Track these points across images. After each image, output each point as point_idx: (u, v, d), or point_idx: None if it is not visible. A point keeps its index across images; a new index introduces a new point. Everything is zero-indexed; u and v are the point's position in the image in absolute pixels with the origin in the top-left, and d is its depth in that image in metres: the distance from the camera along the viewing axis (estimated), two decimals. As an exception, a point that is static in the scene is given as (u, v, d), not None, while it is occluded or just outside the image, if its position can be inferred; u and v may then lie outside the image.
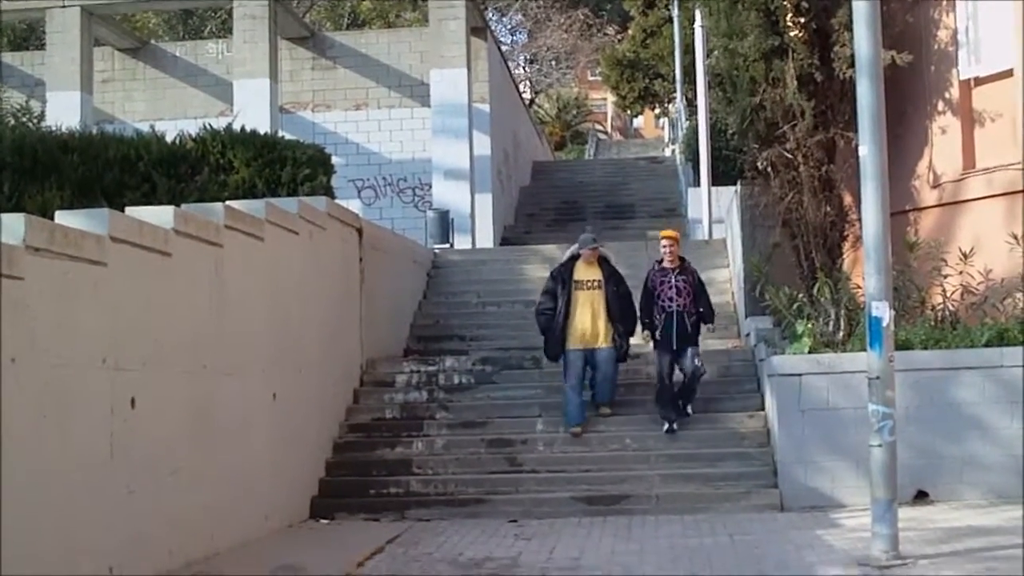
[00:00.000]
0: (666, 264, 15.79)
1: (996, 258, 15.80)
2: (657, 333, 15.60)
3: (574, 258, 15.94)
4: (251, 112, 23.39)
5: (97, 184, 15.52)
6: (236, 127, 16.93)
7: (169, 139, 16.65)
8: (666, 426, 15.27)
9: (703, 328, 15.91)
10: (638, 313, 15.87)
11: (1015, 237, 15.48)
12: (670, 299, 15.56)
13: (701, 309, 15.79)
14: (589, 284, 15.71)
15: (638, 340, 16.11)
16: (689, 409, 15.51)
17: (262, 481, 12.74)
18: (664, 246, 15.86)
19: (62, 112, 24.79)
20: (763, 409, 15.38)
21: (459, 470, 15.03)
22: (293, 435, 13.75)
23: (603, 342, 15.58)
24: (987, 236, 16.46)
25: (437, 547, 12.08)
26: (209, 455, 11.33)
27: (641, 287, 16.01)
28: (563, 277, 15.80)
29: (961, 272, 15.54)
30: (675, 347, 15.44)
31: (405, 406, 16.49)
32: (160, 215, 10.80)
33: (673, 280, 15.67)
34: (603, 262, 15.94)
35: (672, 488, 14.27)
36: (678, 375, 15.55)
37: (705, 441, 15.09)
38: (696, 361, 15.36)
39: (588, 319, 15.57)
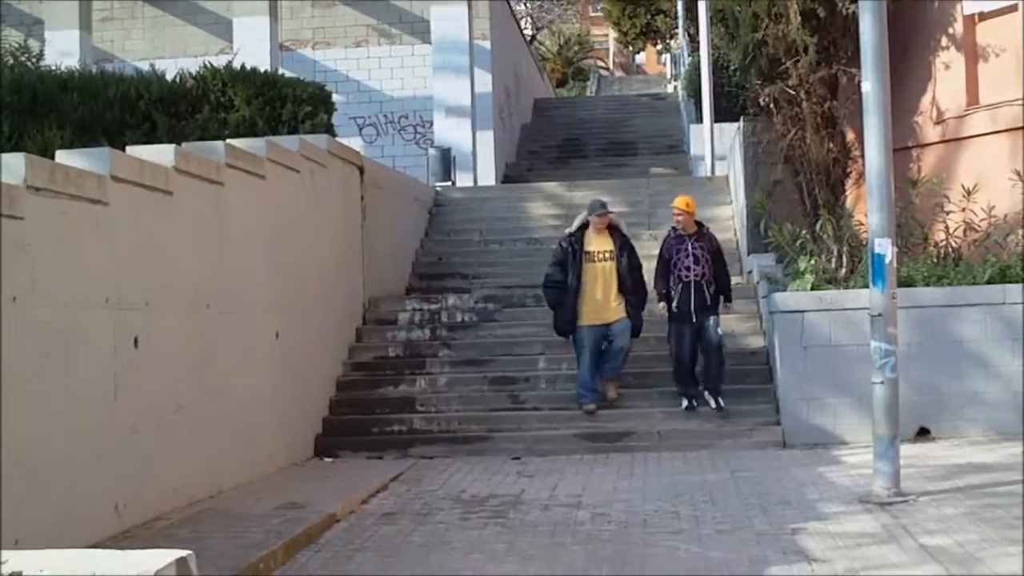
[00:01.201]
0: (682, 231, 14.93)
1: (999, 194, 15.77)
2: (673, 305, 14.67)
3: (583, 227, 14.99)
4: (251, 50, 23.27)
5: (97, 123, 15.50)
6: (236, 65, 16.88)
7: (169, 77, 16.61)
8: (684, 403, 14.61)
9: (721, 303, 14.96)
10: (652, 283, 15.09)
11: (1018, 173, 15.46)
12: (687, 268, 14.63)
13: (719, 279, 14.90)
14: (600, 255, 14.81)
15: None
16: (721, 402, 14.47)
17: (266, 420, 12.78)
18: (675, 215, 15.05)
19: (61, 51, 24.65)
20: (765, 346, 15.39)
21: (462, 408, 15.09)
22: (296, 374, 13.78)
23: (617, 315, 14.73)
24: (990, 172, 16.43)
25: (440, 484, 12.14)
26: (213, 394, 11.36)
27: (640, 246, 15.43)
28: (573, 248, 14.85)
29: (964, 209, 15.52)
30: (694, 319, 14.57)
31: (408, 344, 16.52)
32: (161, 154, 10.78)
33: (690, 247, 14.72)
34: (614, 231, 15.00)
35: (674, 425, 14.31)
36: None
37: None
38: (718, 331, 14.63)
39: (600, 293, 14.73)
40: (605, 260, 14.81)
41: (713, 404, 14.47)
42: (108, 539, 9.10)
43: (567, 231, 15.35)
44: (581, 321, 14.72)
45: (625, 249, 14.89)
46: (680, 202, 15.09)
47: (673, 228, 15.11)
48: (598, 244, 14.88)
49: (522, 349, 16.20)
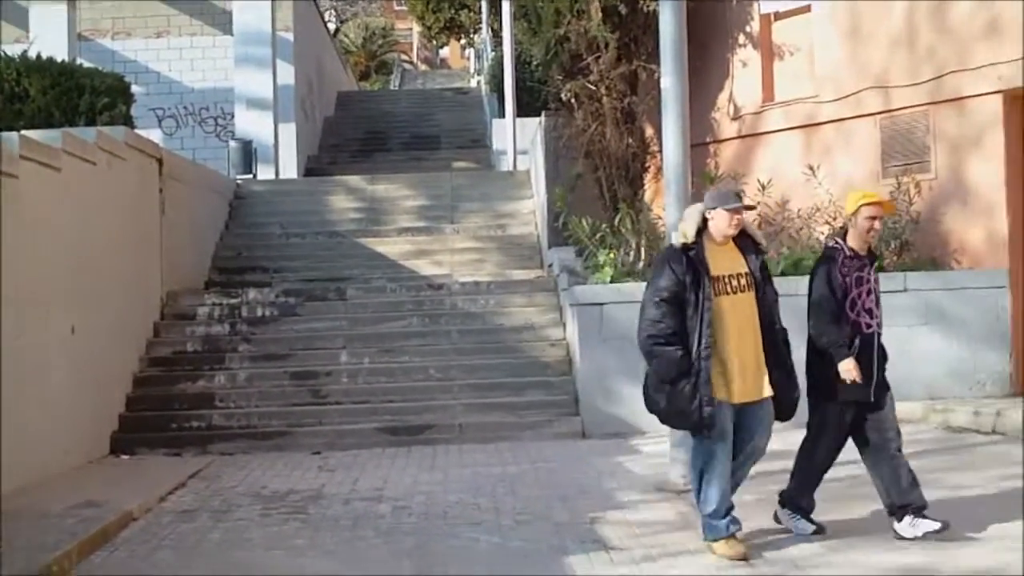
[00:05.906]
0: (863, 248, 8.71)
1: (793, 189, 16.20)
2: None
3: (700, 230, 8.26)
4: (48, 39, 22.72)
5: None
6: (32, 54, 16.50)
7: (-40, 66, 16.16)
8: (809, 525, 8.85)
9: None
10: (820, 326, 8.76)
11: (811, 168, 15.88)
12: (869, 312, 8.62)
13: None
14: (735, 283, 8.24)
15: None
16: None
17: (61, 415, 12.51)
18: (869, 216, 8.57)
19: None
20: (565, 338, 15.54)
21: (262, 403, 14.98)
22: (92, 369, 13.52)
23: (766, 389, 8.36)
24: (785, 167, 16.87)
25: (240, 480, 12.04)
26: (4, 390, 11.08)
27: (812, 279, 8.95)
28: (695, 270, 8.11)
29: (759, 203, 15.84)
30: (872, 397, 8.56)
31: (207, 339, 16.31)
32: (-51, 145, 10.51)
33: (872, 280, 8.67)
34: (744, 239, 8.41)
35: (476, 418, 14.39)
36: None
37: (508, 371, 15.22)
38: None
39: (746, 349, 8.27)
40: (742, 289, 8.29)
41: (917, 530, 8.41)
42: None
43: (676, 240, 8.41)
44: (717, 394, 8.21)
45: (764, 269, 8.56)
46: (877, 197, 8.86)
47: (837, 242, 8.81)
48: (728, 262, 8.30)
49: (323, 343, 16.11)
